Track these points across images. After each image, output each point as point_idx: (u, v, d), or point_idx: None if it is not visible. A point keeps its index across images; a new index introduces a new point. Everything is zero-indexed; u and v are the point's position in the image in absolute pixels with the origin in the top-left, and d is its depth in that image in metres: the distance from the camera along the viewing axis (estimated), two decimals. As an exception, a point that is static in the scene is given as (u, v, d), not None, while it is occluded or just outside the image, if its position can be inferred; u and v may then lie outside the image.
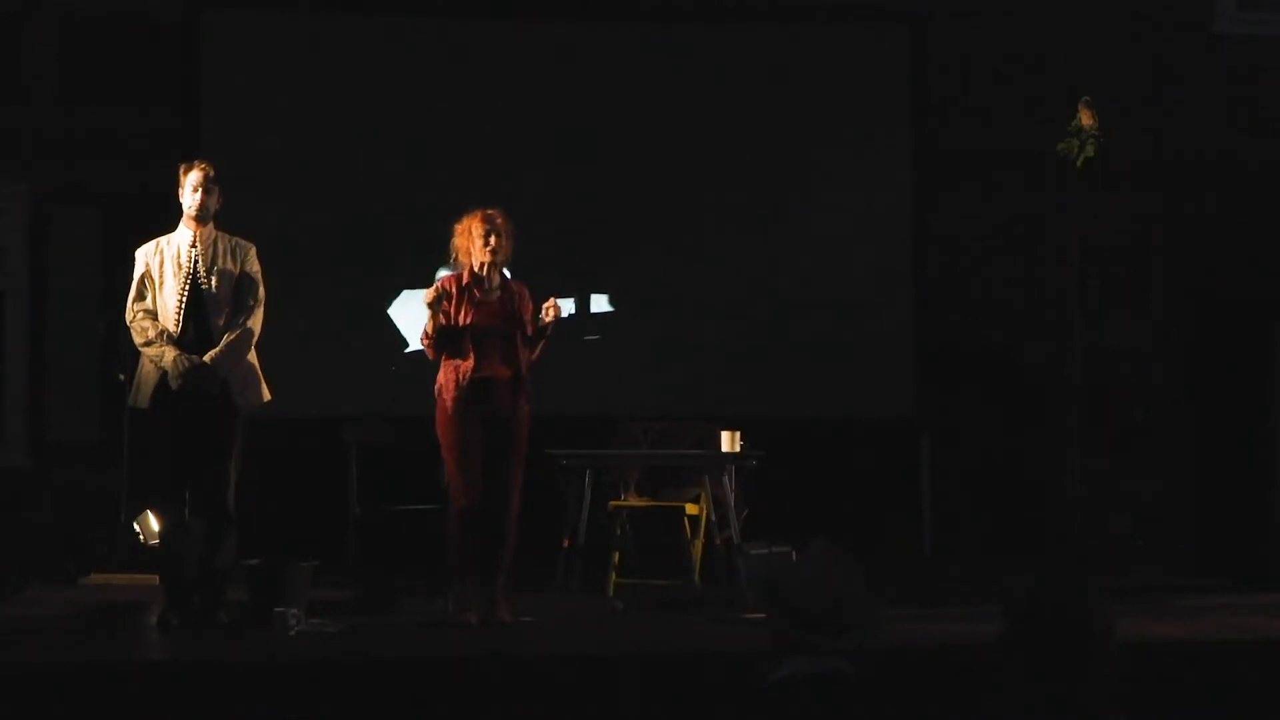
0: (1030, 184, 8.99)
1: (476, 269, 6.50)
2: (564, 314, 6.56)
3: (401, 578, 7.25)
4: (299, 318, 8.12)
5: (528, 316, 6.56)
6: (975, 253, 9.22)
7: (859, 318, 9.05)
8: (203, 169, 6.34)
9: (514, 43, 9.00)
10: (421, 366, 6.86)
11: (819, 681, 2.82)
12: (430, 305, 6.40)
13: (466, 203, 6.66)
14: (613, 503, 7.53)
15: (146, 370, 6.31)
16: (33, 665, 5.48)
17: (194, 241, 6.32)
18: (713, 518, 7.28)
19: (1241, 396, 8.34)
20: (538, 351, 6.60)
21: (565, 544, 7.29)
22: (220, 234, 6.38)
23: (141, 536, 7.77)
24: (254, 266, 6.40)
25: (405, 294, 8.76)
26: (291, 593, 6.28)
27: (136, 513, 7.84)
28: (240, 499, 6.37)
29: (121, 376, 7.47)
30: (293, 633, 6.08)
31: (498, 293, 6.53)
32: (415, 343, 7.56)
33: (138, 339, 6.31)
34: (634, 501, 7.60)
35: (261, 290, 6.39)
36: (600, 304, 9.00)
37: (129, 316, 6.33)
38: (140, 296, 6.32)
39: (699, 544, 7.42)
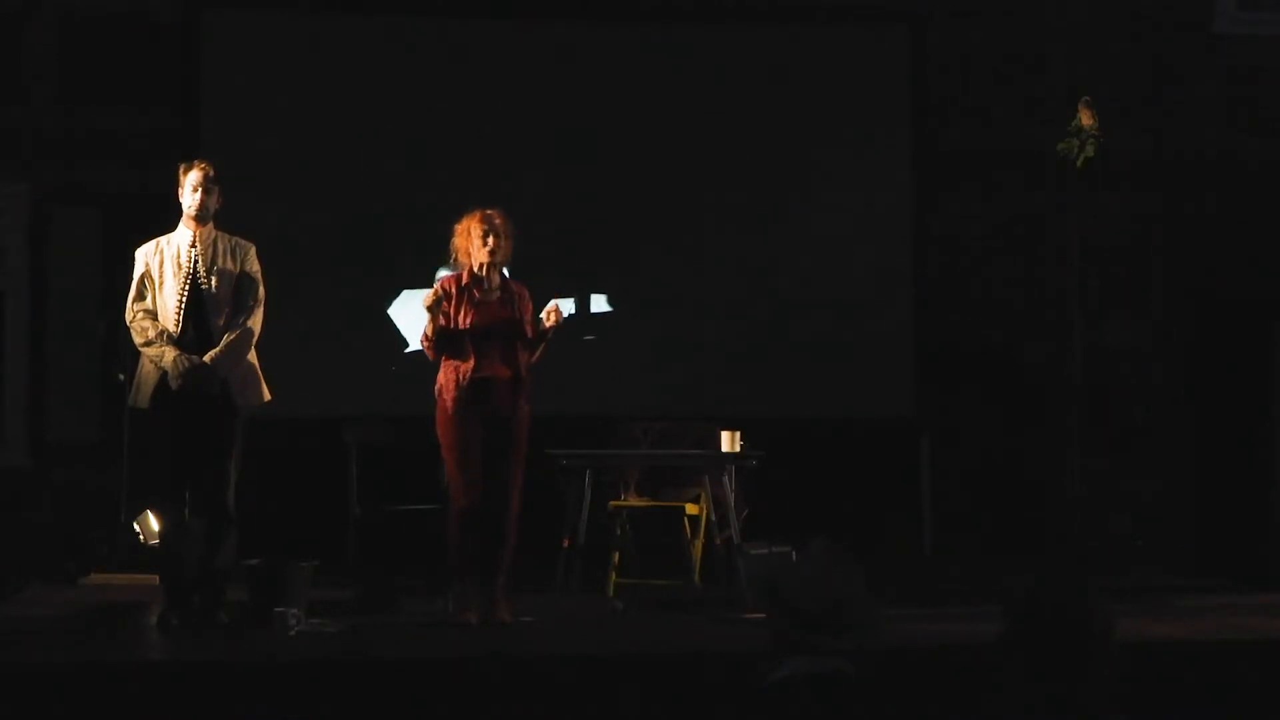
0: (1030, 184, 8.99)
1: (476, 269, 6.50)
2: (565, 315, 6.55)
3: (401, 578, 7.25)
4: (299, 318, 8.12)
5: (528, 317, 6.57)
6: (975, 253, 9.22)
7: (859, 318, 9.05)
8: (202, 169, 6.34)
9: (514, 43, 9.00)
10: (421, 366, 6.86)
11: (819, 681, 2.82)
12: (429, 309, 6.40)
13: (466, 203, 6.66)
14: (613, 503, 7.53)
15: (146, 370, 6.31)
16: (33, 665, 5.48)
17: (194, 241, 6.32)
18: (713, 518, 7.28)
19: (1241, 396, 8.34)
20: (537, 355, 6.60)
21: (565, 544, 7.29)
22: (220, 234, 6.38)
23: (141, 536, 7.77)
24: (254, 266, 6.40)
25: (405, 294, 8.76)
26: (291, 593, 6.28)
27: (136, 513, 7.84)
28: (240, 499, 6.37)
29: (121, 376, 7.47)
30: (293, 633, 6.08)
31: (497, 293, 6.53)
32: (415, 343, 7.56)
33: (138, 339, 6.31)
34: (634, 501, 7.60)
35: (261, 290, 6.39)
36: (600, 304, 9.00)
37: (129, 316, 6.33)
38: (140, 296, 6.32)
39: (699, 544, 7.42)
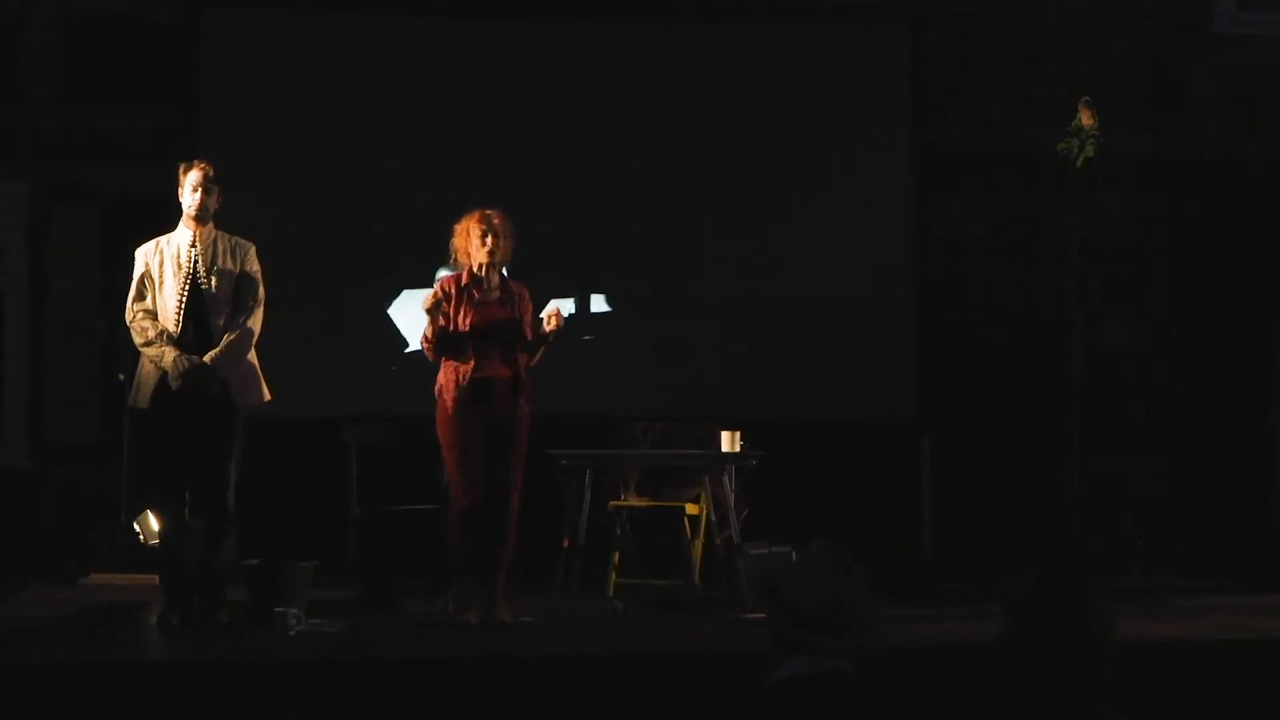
0: (1030, 184, 8.99)
1: (475, 269, 6.50)
2: (565, 316, 6.54)
3: (401, 578, 7.25)
4: (299, 318, 8.13)
5: (527, 318, 6.57)
6: (975, 253, 9.22)
7: (859, 318, 9.05)
8: (202, 169, 6.33)
9: (514, 43, 8.99)
10: (421, 366, 6.86)
11: (819, 681, 2.82)
12: (429, 311, 6.40)
13: (466, 203, 6.66)
14: (613, 503, 7.53)
15: (146, 370, 6.31)
16: (33, 665, 5.48)
17: (194, 241, 6.31)
18: (713, 518, 7.28)
19: (1241, 396, 8.35)
20: (537, 357, 6.60)
21: (565, 544, 7.29)
22: (220, 234, 6.38)
23: (141, 536, 7.77)
24: (254, 266, 6.40)
25: (405, 294, 8.75)
26: (291, 593, 6.27)
27: (136, 513, 7.84)
28: (240, 499, 6.37)
29: (121, 376, 7.48)
30: (293, 633, 6.08)
31: (497, 293, 6.53)
32: (415, 343, 7.57)
33: (138, 339, 6.31)
34: (634, 501, 7.60)
35: (261, 290, 6.39)
36: (600, 304, 9.00)
37: (129, 316, 6.33)
38: (140, 296, 6.32)
39: (699, 544, 7.42)
